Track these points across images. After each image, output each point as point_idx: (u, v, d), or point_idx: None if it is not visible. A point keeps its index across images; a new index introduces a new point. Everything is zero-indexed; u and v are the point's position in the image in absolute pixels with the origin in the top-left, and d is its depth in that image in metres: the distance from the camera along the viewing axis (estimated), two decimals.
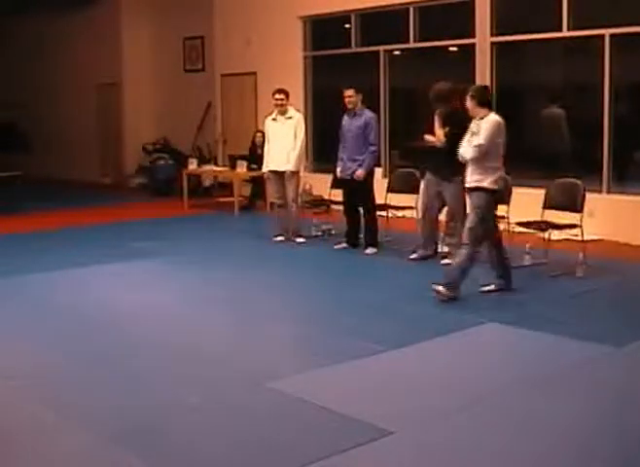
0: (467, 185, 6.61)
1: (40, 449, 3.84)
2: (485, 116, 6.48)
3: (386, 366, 4.98)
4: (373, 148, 8.45)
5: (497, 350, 5.49)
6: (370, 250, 8.45)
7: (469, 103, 6.55)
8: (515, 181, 8.13)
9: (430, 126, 7.71)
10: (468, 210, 6.66)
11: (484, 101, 6.53)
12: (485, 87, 6.85)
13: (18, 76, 17.84)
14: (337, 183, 9.00)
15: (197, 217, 11.64)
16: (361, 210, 8.67)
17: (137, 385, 4.66)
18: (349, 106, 8.52)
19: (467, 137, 6.58)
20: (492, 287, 6.72)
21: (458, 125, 7.54)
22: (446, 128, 7.57)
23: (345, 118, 8.62)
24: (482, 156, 6.40)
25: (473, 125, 6.57)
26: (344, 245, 8.72)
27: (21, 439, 3.95)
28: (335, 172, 8.81)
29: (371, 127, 8.44)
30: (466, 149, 6.52)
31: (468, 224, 6.51)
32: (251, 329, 5.92)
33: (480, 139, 6.38)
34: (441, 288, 6.42)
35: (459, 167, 7.63)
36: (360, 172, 8.39)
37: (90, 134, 16.67)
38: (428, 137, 7.72)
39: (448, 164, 7.58)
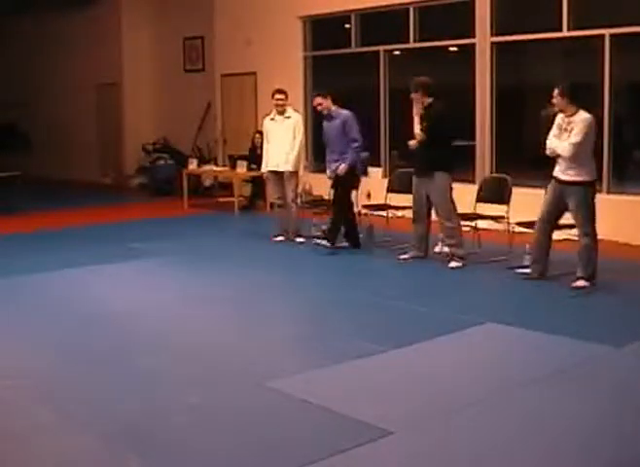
0: (561, 178, 6.78)
1: (40, 449, 3.84)
2: (575, 113, 6.67)
3: (386, 366, 4.98)
4: (355, 144, 8.48)
5: (497, 350, 5.49)
6: (320, 241, 8.52)
7: (559, 100, 6.70)
8: (515, 181, 8.15)
9: (411, 127, 7.77)
10: (575, 208, 6.75)
11: (575, 98, 6.69)
12: (573, 83, 6.98)
13: (18, 76, 17.84)
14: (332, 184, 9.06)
15: (197, 217, 11.64)
16: (354, 209, 8.76)
17: (137, 385, 4.66)
18: (323, 112, 8.64)
19: (554, 131, 6.79)
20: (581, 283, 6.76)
21: (433, 119, 7.62)
22: (424, 124, 7.64)
23: (325, 122, 8.74)
24: (577, 152, 6.61)
25: (561, 121, 6.76)
26: (345, 245, 8.72)
27: (21, 439, 3.95)
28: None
29: (349, 125, 8.48)
30: (560, 145, 6.70)
31: (581, 220, 6.74)
32: (251, 329, 5.92)
33: (577, 137, 6.60)
34: (582, 282, 6.66)
35: (440, 161, 7.68)
36: (342, 167, 8.43)
37: (90, 134, 16.67)
38: (411, 143, 7.77)
39: (428, 159, 7.65)
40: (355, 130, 8.50)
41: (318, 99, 8.64)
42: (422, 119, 7.71)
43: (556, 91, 6.71)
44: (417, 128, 7.71)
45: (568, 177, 6.73)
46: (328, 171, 8.75)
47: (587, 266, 6.71)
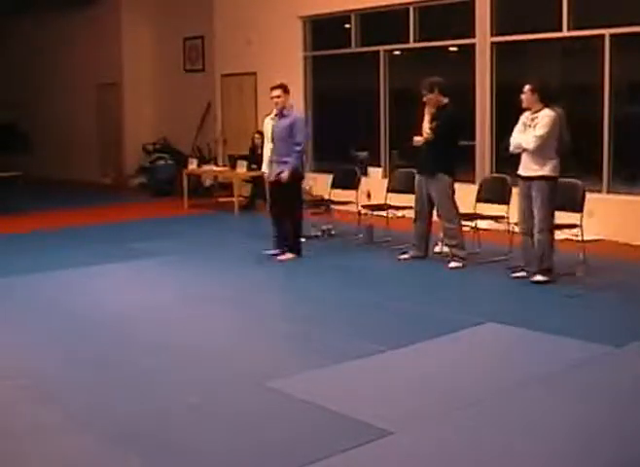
0: (524, 174, 6.90)
1: (40, 449, 3.84)
2: (541, 110, 6.78)
3: (386, 366, 4.98)
4: (298, 148, 7.98)
5: (497, 350, 5.49)
6: (287, 256, 8.09)
7: (528, 96, 6.81)
8: (514, 181, 8.13)
9: (420, 125, 7.74)
10: (536, 203, 6.87)
11: (544, 97, 6.80)
12: (547, 83, 7.07)
13: (18, 76, 17.84)
14: (269, 188, 8.54)
15: (197, 217, 11.64)
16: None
17: (137, 385, 4.66)
18: (277, 106, 8.07)
19: (518, 128, 6.91)
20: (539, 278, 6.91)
21: (444, 119, 7.61)
22: (434, 123, 7.62)
23: (274, 119, 8.28)
24: (541, 146, 6.71)
25: (525, 118, 6.88)
26: (289, 257, 8.18)
27: (22, 439, 3.95)
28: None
29: (297, 128, 8.02)
30: (524, 138, 6.78)
31: (541, 215, 6.83)
32: (251, 329, 5.92)
33: (542, 130, 6.72)
34: (539, 277, 6.81)
35: (444, 163, 7.67)
36: (284, 174, 7.98)
37: (90, 134, 16.67)
38: (416, 138, 7.74)
39: (433, 159, 7.63)
40: (302, 134, 8.05)
41: (278, 91, 7.99)
42: (433, 118, 7.67)
43: (528, 87, 6.83)
44: (427, 126, 7.69)
45: (532, 172, 6.84)
46: (266, 172, 8.49)
47: (543, 261, 6.87)
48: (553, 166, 6.82)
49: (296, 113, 8.28)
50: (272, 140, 8.32)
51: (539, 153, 6.78)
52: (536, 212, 6.89)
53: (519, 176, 6.98)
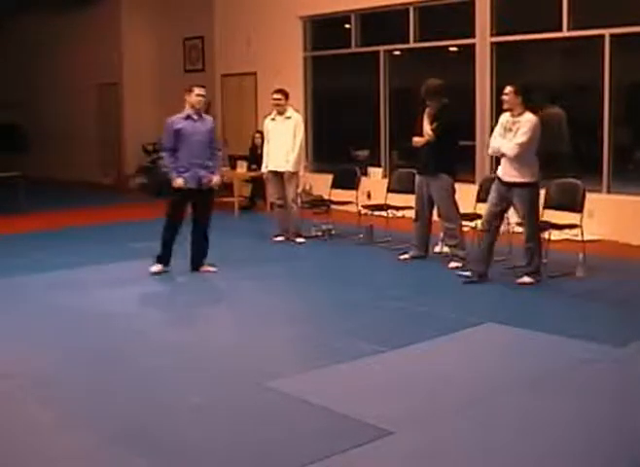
0: (504, 179, 6.86)
1: (40, 448, 3.84)
2: (522, 114, 6.73)
3: (386, 366, 4.98)
4: (220, 153, 7.83)
5: (497, 350, 5.49)
6: (209, 268, 7.58)
7: (512, 98, 6.76)
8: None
9: (420, 125, 7.73)
10: (521, 211, 6.89)
11: (525, 99, 6.78)
12: (525, 85, 7.12)
13: (18, 76, 17.83)
14: (182, 196, 7.74)
15: None
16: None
17: (138, 385, 4.67)
18: (198, 105, 7.73)
19: (498, 131, 6.87)
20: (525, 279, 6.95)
21: (445, 121, 7.61)
22: (434, 124, 7.61)
23: (186, 122, 7.68)
24: (521, 153, 6.67)
25: (505, 121, 6.83)
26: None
27: (22, 439, 3.95)
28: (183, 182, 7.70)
29: (214, 132, 7.80)
30: (505, 144, 6.75)
31: (528, 224, 6.86)
32: (251, 329, 5.92)
33: (523, 137, 6.66)
34: (526, 278, 6.85)
35: (444, 163, 7.68)
36: (217, 179, 7.58)
37: (90, 134, 16.66)
38: (416, 139, 7.74)
39: (433, 159, 7.63)
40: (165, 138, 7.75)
41: (202, 90, 7.84)
42: (434, 119, 7.67)
43: (511, 89, 6.78)
44: (428, 128, 7.68)
45: (512, 178, 6.80)
46: (180, 180, 7.74)
47: (530, 265, 6.91)
48: (533, 171, 6.80)
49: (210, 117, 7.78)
50: (187, 144, 7.63)
51: (519, 158, 6.72)
52: (522, 221, 6.92)
53: (499, 179, 6.93)
